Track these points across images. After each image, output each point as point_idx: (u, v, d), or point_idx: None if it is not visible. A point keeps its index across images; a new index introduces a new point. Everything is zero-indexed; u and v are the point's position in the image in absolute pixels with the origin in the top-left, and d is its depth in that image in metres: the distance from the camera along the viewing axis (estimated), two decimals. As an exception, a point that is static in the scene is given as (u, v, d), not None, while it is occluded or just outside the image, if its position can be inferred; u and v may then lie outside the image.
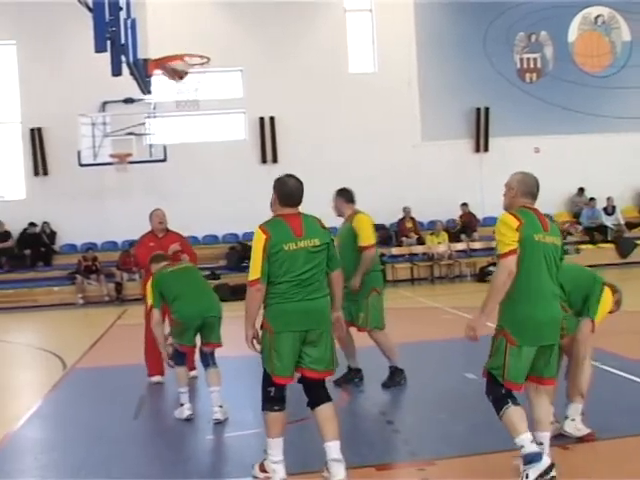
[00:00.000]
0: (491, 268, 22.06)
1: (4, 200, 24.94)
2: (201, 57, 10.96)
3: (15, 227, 24.14)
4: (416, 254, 23.67)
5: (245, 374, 9.82)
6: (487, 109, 25.49)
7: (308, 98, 24.72)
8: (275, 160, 24.86)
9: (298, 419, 7.05)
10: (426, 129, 25.45)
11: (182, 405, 8.24)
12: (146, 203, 24.05)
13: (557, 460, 5.72)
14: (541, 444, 5.83)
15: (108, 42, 7.76)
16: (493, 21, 25.59)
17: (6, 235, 24.03)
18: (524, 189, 6.31)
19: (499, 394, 5.84)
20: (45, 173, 24.52)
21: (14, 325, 19.69)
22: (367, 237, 9.28)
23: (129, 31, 7.69)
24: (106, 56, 8.28)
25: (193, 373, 9.81)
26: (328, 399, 6.20)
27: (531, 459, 5.59)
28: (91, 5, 7.82)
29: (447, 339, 11.88)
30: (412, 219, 23.80)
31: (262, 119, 24.91)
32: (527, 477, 5.59)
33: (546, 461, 5.60)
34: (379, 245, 23.57)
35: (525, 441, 5.65)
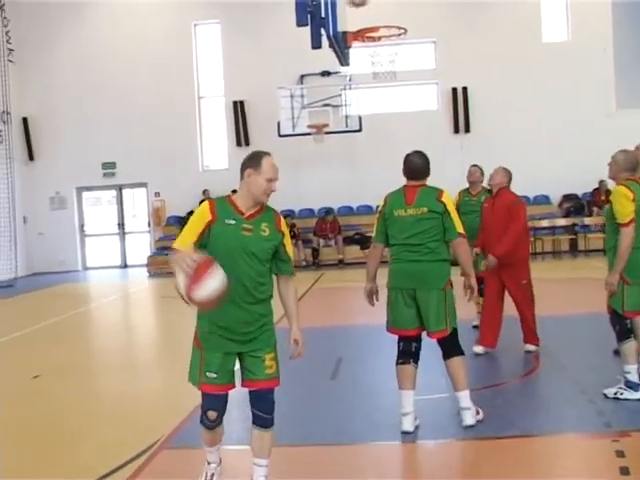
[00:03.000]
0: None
1: (209, 169, 25.80)
2: (398, 28, 10.87)
3: (219, 194, 24.60)
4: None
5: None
6: (686, 75, 24.22)
7: (501, 68, 24.21)
8: (468, 130, 24.53)
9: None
10: (621, 97, 24.41)
11: None
12: (341, 172, 24.60)
13: None
14: None
15: (309, 16, 7.78)
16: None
17: (211, 202, 24.76)
18: (627, 165, 7.35)
19: (624, 326, 7.26)
20: (247, 144, 25.09)
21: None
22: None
23: (329, 5, 7.69)
24: (306, 30, 8.32)
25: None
26: (457, 353, 6.76)
27: (631, 385, 7.15)
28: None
29: None
30: (607, 190, 22.97)
31: (455, 90, 24.57)
32: (620, 394, 7.14)
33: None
34: (574, 213, 23.07)
35: (633, 370, 7.17)
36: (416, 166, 6.90)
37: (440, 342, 6.76)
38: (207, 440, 5.44)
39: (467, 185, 11.08)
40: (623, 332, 7.25)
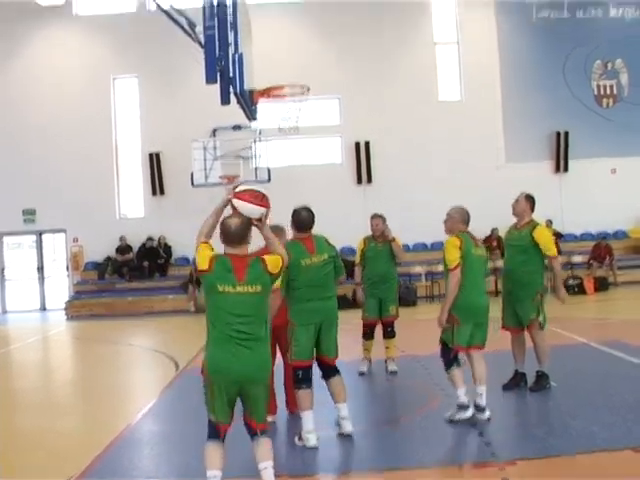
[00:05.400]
0: (571, 282, 21.65)
1: (126, 217, 25.56)
2: (302, 87, 11.02)
3: (135, 241, 24.65)
4: (500, 268, 23.18)
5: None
6: (567, 133, 25.05)
7: (401, 124, 24.69)
8: (370, 181, 24.85)
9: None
10: (509, 152, 25.15)
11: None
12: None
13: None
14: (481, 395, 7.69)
15: (218, 74, 7.87)
16: (571, 51, 25.23)
17: (128, 249, 24.57)
18: (462, 219, 8.06)
19: (451, 358, 7.81)
20: (162, 193, 25.00)
21: (133, 330, 20.07)
22: (552, 247, 9.02)
23: (237, 64, 7.80)
24: (216, 87, 8.39)
25: None
26: (338, 373, 7.44)
27: (462, 407, 7.62)
28: (203, 42, 7.94)
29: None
30: (498, 238, 23.45)
31: (357, 144, 24.92)
32: (454, 416, 7.63)
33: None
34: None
35: (461, 393, 7.65)
36: (308, 220, 7.43)
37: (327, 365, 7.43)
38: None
39: (370, 233, 10.83)
40: (449, 362, 7.86)
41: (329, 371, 7.40)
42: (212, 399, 5.62)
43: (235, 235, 5.65)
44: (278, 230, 7.50)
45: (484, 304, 8.00)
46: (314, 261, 7.28)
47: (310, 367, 7.31)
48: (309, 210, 7.46)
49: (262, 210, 5.77)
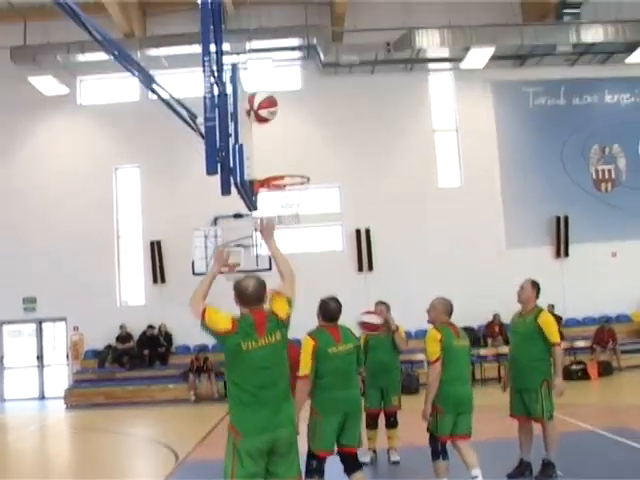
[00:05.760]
0: (574, 367, 21.48)
1: (127, 305, 25.54)
2: (302, 177, 11.12)
3: (136, 329, 24.56)
4: (503, 354, 23.03)
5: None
6: (566, 217, 25.19)
7: (401, 210, 24.87)
8: (371, 268, 24.91)
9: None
10: (510, 237, 25.26)
11: None
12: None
13: None
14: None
15: (218, 165, 7.97)
16: (569, 137, 25.58)
17: (128, 337, 24.45)
18: (445, 310, 8.29)
19: (437, 447, 7.98)
20: (163, 281, 25.04)
21: (133, 419, 19.86)
22: (556, 334, 8.98)
23: (237, 155, 7.90)
24: (217, 177, 8.50)
25: None
26: (360, 467, 7.46)
27: None
28: (204, 133, 8.06)
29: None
30: (500, 324, 23.39)
31: (358, 231, 25.06)
32: None
33: None
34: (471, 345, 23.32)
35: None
36: (336, 311, 7.76)
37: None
38: None
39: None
40: (436, 452, 8.06)
41: (353, 465, 7.40)
42: (239, 464, 5.56)
43: (253, 297, 5.91)
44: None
45: (467, 394, 8.15)
46: (340, 350, 7.48)
47: (325, 458, 7.34)
48: (337, 301, 7.82)
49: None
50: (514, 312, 9.45)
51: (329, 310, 7.75)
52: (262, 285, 5.96)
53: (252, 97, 8.44)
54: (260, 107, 8.37)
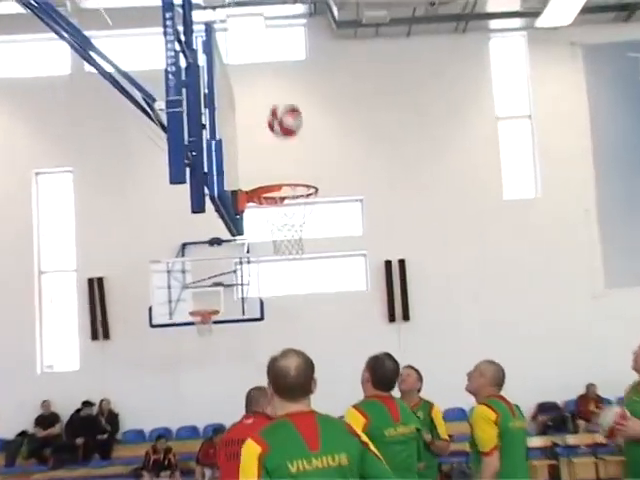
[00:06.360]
0: None
1: (52, 372, 25.43)
2: (307, 186, 11.11)
3: (65, 407, 24.38)
4: (603, 444, 22.78)
5: None
6: (691, 244, 25.11)
7: (449, 235, 24.90)
8: (406, 317, 24.82)
9: None
10: (610, 272, 25.12)
11: None
12: (237, 375, 24.36)
13: None
14: None
15: (187, 170, 7.95)
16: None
17: (53, 418, 24.28)
18: (494, 380, 8.43)
19: None
20: (106, 337, 24.98)
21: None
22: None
23: (213, 156, 7.87)
24: (185, 188, 8.47)
25: None
26: None
27: None
28: (166, 123, 8.03)
29: None
30: (597, 398, 23.22)
31: (389, 263, 25.06)
32: None
33: None
34: (553, 430, 23.18)
35: None
36: (395, 372, 7.62)
37: None
38: None
39: (399, 393, 10.78)
40: None
41: None
42: None
43: (297, 383, 5.50)
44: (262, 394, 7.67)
45: None
46: (399, 433, 7.41)
47: None
48: (394, 359, 7.68)
49: None
50: (624, 383, 9.31)
51: (385, 372, 7.61)
52: (311, 366, 5.64)
53: (275, 107, 8.56)
54: (286, 114, 8.51)
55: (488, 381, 8.34)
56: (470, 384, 8.47)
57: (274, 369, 5.54)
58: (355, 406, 7.50)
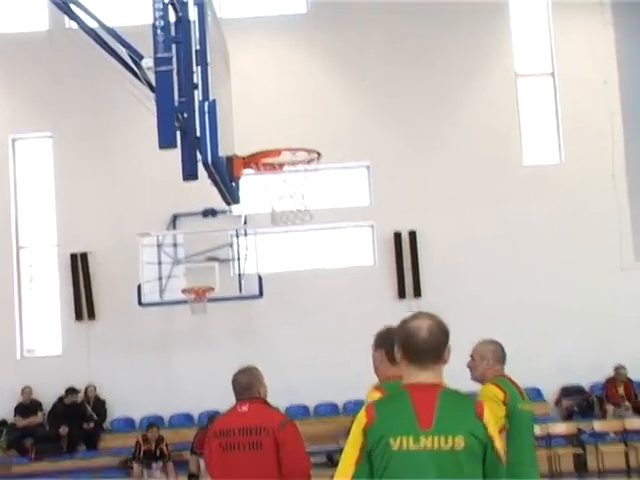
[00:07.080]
0: None
1: (33, 357, 25.45)
2: (308, 151, 11.12)
3: (47, 395, 24.40)
4: (633, 431, 22.91)
5: None
6: None
7: (464, 205, 24.90)
8: (418, 293, 24.91)
9: None
10: (640, 245, 25.20)
11: None
12: (233, 358, 24.45)
13: None
14: None
15: (178, 134, 7.97)
16: None
17: (34, 406, 24.28)
18: (498, 356, 8.50)
19: None
20: (91, 316, 24.95)
21: None
22: None
23: (206, 118, 7.87)
24: (176, 153, 8.47)
25: None
26: None
27: None
28: (154, 83, 8.04)
29: None
30: (627, 381, 23.36)
31: (398, 235, 25.09)
32: None
33: None
34: (579, 415, 23.25)
35: None
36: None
37: None
38: None
39: None
40: None
41: None
42: None
43: (426, 345, 5.13)
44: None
45: None
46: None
47: None
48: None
49: None
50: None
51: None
52: (444, 329, 5.18)
53: None
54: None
55: (491, 362, 8.44)
56: (474, 372, 8.52)
57: (404, 330, 5.23)
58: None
